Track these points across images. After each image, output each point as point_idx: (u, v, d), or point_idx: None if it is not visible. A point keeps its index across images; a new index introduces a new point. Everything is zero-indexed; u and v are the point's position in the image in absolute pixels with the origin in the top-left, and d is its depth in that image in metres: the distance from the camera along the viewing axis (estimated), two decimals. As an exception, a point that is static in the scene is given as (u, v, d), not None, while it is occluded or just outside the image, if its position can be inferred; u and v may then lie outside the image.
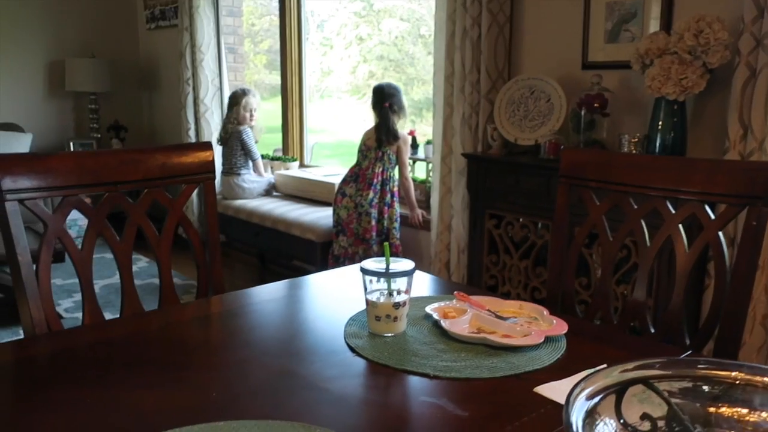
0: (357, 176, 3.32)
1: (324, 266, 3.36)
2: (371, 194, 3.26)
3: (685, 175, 1.46)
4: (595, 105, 2.45)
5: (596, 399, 0.62)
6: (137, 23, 5.55)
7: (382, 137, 3.26)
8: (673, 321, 1.42)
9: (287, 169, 4.39)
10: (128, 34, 5.53)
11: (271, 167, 4.46)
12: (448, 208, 3.04)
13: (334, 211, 3.38)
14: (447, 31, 2.92)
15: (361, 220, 3.27)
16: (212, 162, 1.62)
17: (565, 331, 1.17)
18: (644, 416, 0.65)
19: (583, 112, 2.48)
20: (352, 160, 3.42)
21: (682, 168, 1.49)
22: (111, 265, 4.34)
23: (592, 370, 0.67)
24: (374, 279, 1.18)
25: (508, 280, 2.74)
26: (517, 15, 2.84)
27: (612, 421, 0.62)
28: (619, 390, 0.65)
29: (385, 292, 1.18)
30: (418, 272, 1.69)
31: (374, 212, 3.27)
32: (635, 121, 2.46)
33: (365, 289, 1.19)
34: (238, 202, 4.02)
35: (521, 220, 2.64)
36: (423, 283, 1.55)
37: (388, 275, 1.17)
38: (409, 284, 1.19)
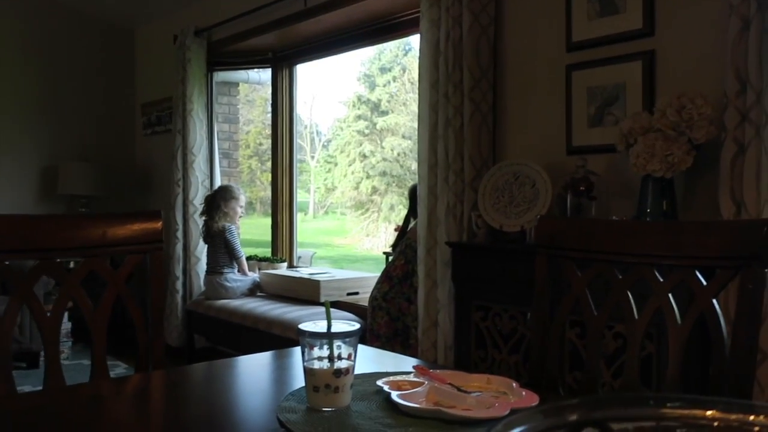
0: None
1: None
2: None
3: (672, 239, 1.33)
4: (581, 188, 2.35)
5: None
6: (134, 129, 5.63)
7: None
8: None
9: (275, 269, 4.25)
10: (125, 140, 5.59)
11: (258, 267, 4.33)
12: (434, 303, 2.87)
13: None
14: (430, 121, 2.89)
15: None
16: (160, 232, 1.51)
17: (535, 404, 1.00)
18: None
19: (569, 196, 2.38)
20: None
21: (668, 231, 1.36)
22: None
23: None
24: (314, 343, 1.03)
25: (498, 378, 2.52)
26: (500, 103, 2.81)
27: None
28: (565, 432, 0.49)
29: (326, 358, 1.02)
30: (378, 351, 1.53)
31: None
32: (624, 204, 2.35)
33: (303, 355, 1.03)
34: (220, 302, 3.86)
35: (509, 310, 2.47)
36: (382, 360, 1.38)
37: (329, 336, 1.01)
38: (355, 349, 1.03)
